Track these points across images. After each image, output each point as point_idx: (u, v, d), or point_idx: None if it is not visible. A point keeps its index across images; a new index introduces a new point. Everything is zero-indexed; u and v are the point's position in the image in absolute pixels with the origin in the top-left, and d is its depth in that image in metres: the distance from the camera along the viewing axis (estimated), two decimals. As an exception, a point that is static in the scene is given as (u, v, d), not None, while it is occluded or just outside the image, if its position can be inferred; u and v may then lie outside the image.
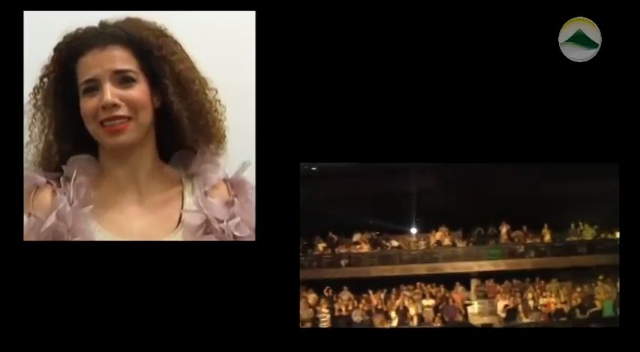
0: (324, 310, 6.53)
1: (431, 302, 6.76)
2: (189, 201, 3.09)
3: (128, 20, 3.02)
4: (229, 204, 3.12)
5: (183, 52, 3.07)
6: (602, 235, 7.03)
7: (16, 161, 3.19)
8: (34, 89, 2.99)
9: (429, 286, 6.90)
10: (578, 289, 6.82)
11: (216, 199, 3.11)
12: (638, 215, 3.59)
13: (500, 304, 6.78)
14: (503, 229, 7.21)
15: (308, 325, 5.96)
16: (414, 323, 6.54)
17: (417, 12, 3.56)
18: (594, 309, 6.58)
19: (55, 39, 2.98)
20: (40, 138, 3.00)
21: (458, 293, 6.86)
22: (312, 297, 6.61)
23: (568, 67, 3.57)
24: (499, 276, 6.98)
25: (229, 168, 3.22)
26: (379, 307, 6.65)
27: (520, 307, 6.73)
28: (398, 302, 6.69)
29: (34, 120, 3.01)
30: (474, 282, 7.01)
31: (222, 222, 3.07)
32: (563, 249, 7.05)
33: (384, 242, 7.23)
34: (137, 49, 2.94)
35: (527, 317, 6.66)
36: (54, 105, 2.97)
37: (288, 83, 3.53)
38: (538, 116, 3.59)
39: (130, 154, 2.98)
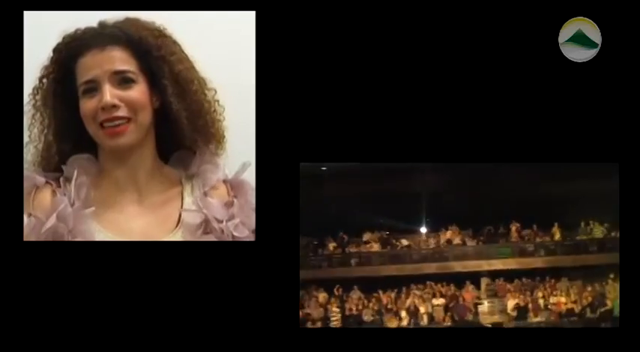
0: (335, 309, 6.52)
1: (441, 301, 6.73)
2: (188, 201, 3.10)
3: (127, 20, 3.03)
4: (229, 204, 3.14)
5: (183, 52, 3.08)
6: (613, 233, 6.96)
7: (16, 161, 3.20)
8: (33, 90, 3.01)
9: (439, 285, 6.87)
10: (589, 288, 6.77)
11: (215, 200, 3.12)
12: (638, 215, 3.59)
13: (511, 303, 6.74)
14: (513, 228, 7.17)
15: (319, 324, 5.95)
16: (424, 322, 6.52)
17: (418, 12, 3.55)
18: (605, 308, 6.53)
19: (55, 39, 2.99)
20: (40, 139, 3.02)
21: (468, 291, 6.83)
22: (322, 296, 6.59)
23: (568, 67, 3.56)
24: (509, 275, 6.93)
25: (229, 169, 3.23)
26: (389, 306, 6.63)
27: (530, 306, 6.70)
28: (408, 301, 6.67)
29: (33, 121, 3.02)
30: (484, 281, 6.97)
31: (222, 222, 3.08)
32: (573, 247, 6.98)
33: (394, 241, 7.21)
34: (136, 49, 2.95)
35: (537, 316, 6.63)
36: (53, 105, 2.98)
37: (288, 83, 3.52)
38: (537, 116, 3.58)
39: (130, 155, 2.99)
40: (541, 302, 6.74)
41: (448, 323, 6.47)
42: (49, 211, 2.87)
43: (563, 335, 3.81)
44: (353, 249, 7.10)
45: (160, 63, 2.98)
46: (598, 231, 7.09)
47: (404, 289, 6.79)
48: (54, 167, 2.99)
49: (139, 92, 2.94)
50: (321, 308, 6.39)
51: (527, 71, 3.57)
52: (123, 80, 2.91)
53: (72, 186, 2.92)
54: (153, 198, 3.06)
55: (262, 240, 3.33)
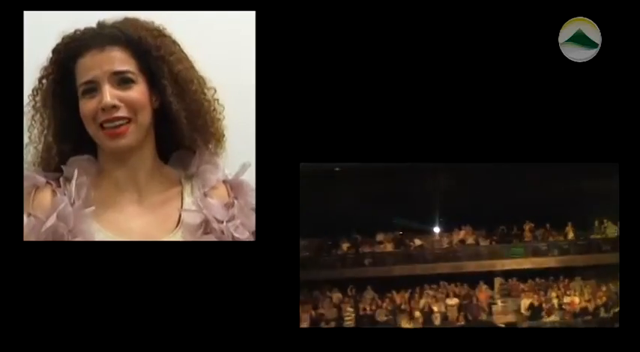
0: (349, 309, 6.52)
1: (455, 301, 6.71)
2: (188, 202, 3.11)
3: (126, 20, 3.04)
4: (229, 205, 3.15)
5: (182, 51, 3.09)
6: (626, 232, 6.93)
7: (16, 161, 3.22)
8: (32, 90, 3.02)
9: (452, 285, 6.85)
10: (603, 288, 6.73)
11: (215, 200, 3.13)
12: (638, 215, 3.58)
13: (525, 303, 6.71)
14: (527, 227, 7.13)
15: (332, 324, 5.95)
16: (438, 322, 6.51)
17: (418, 12, 3.54)
18: (619, 308, 6.50)
19: (55, 40, 3.01)
20: (40, 140, 3.03)
21: (482, 291, 6.81)
22: (336, 296, 6.59)
23: (568, 67, 3.55)
24: (523, 275, 6.90)
25: (229, 169, 3.25)
26: (403, 307, 6.62)
27: (544, 306, 6.67)
28: (422, 301, 6.65)
29: (33, 122, 3.04)
30: (497, 281, 6.94)
31: (222, 222, 3.09)
32: (586, 246, 6.93)
33: (407, 241, 7.19)
34: (135, 49, 2.96)
35: (550, 315, 6.60)
36: (53, 106, 3.00)
37: (288, 83, 3.52)
38: (537, 116, 3.58)
39: (130, 155, 3.01)
40: (555, 301, 6.70)
41: (462, 323, 6.44)
42: (49, 211, 2.88)
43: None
44: (366, 249, 7.09)
45: (159, 63, 2.99)
46: (612, 230, 7.05)
47: (417, 289, 6.77)
48: (54, 168, 3.00)
49: (138, 92, 2.95)
50: (335, 309, 6.39)
51: (528, 71, 3.56)
52: (122, 80, 2.92)
53: (72, 186, 2.93)
54: (153, 198, 3.07)
55: (262, 240, 3.34)
